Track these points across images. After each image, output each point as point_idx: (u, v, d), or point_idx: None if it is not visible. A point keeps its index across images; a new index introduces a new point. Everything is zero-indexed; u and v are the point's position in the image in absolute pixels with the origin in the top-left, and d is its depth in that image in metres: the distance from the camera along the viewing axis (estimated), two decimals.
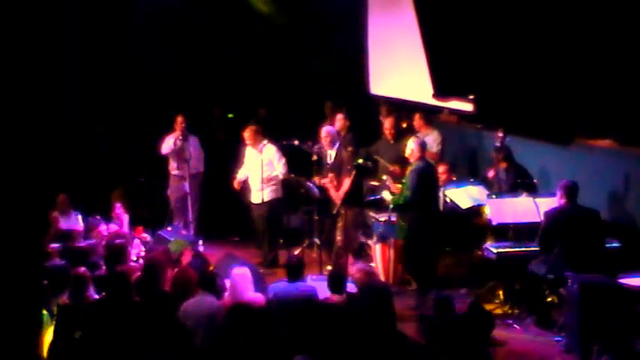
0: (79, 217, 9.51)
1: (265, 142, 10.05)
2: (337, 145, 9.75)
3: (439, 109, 10.52)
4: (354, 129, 10.30)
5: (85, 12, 10.97)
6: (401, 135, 10.16)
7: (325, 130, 9.81)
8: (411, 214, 8.67)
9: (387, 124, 10.18)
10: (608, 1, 7.21)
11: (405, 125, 10.62)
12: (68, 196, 9.56)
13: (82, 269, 7.35)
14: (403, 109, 10.95)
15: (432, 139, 10.29)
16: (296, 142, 10.23)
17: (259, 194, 10.03)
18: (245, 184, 10.17)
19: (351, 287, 7.42)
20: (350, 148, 9.62)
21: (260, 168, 9.95)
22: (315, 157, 9.83)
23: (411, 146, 8.75)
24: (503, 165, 9.21)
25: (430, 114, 10.53)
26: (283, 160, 10.03)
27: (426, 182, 8.65)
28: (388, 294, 7.36)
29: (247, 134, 10.02)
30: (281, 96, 11.79)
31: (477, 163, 10.79)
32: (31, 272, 7.75)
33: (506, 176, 9.19)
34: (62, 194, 9.50)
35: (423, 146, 8.83)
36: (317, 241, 9.93)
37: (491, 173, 9.39)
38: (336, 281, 7.27)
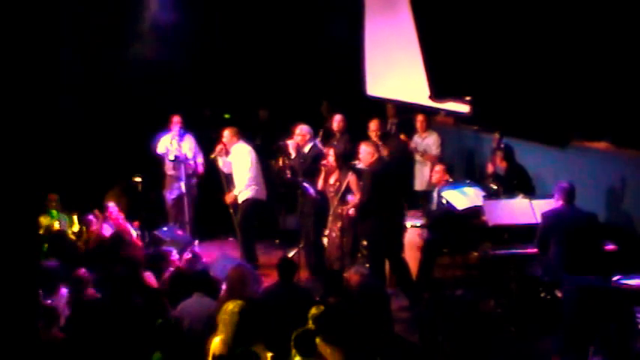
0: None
1: (240, 142, 10.02)
2: (312, 144, 9.73)
3: (436, 111, 10.53)
4: (350, 130, 10.32)
5: (84, 14, 11.00)
6: (390, 135, 10.19)
7: (299, 128, 9.76)
8: (369, 219, 8.67)
9: (373, 126, 10.16)
10: (605, 2, 7.22)
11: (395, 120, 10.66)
12: (58, 196, 9.58)
13: (82, 270, 7.38)
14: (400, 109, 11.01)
15: (432, 141, 10.33)
16: (289, 142, 10.17)
17: (239, 194, 10.04)
18: (229, 181, 10.17)
19: None
20: (332, 149, 9.60)
21: (236, 169, 9.98)
22: (293, 155, 9.78)
23: (366, 149, 8.72)
24: (503, 165, 9.17)
25: (430, 116, 10.57)
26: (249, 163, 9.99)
27: (382, 186, 8.62)
28: (384, 296, 7.39)
29: (227, 132, 10.00)
30: (279, 97, 11.80)
31: (474, 164, 10.79)
32: (24, 271, 7.76)
33: (506, 176, 9.16)
34: (52, 194, 9.51)
35: (378, 148, 8.84)
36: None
37: (490, 168, 9.34)
38: (333, 282, 7.27)
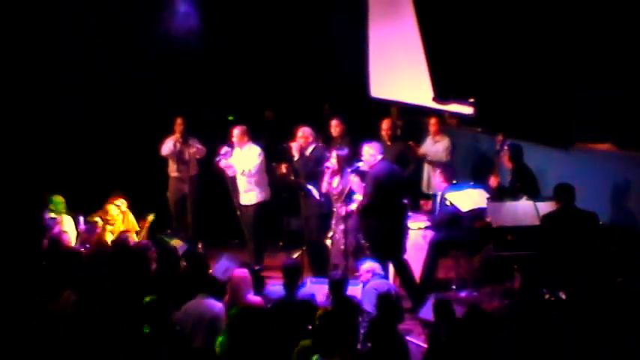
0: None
1: (250, 142, 10.04)
2: (314, 146, 9.76)
3: (439, 113, 10.53)
4: (354, 131, 10.31)
5: (85, 14, 10.99)
6: (398, 137, 10.17)
7: (301, 131, 9.77)
8: (371, 221, 8.69)
9: (385, 125, 10.17)
10: (607, 5, 7.23)
11: (399, 122, 10.66)
12: (64, 198, 9.58)
13: None
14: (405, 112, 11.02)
15: (443, 146, 10.29)
16: (293, 144, 10.14)
17: (245, 196, 10.03)
18: (234, 185, 10.16)
19: (351, 290, 7.43)
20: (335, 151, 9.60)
21: (244, 170, 9.98)
22: (296, 157, 9.80)
23: (369, 151, 8.74)
24: (509, 165, 9.14)
25: (442, 119, 10.54)
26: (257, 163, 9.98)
27: (383, 187, 8.63)
28: (395, 293, 7.39)
29: (236, 132, 10.01)
30: (284, 98, 11.80)
31: (478, 166, 10.79)
32: (26, 271, 7.77)
33: (511, 178, 9.13)
34: (58, 195, 9.52)
35: (381, 149, 8.86)
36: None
37: (492, 181, 9.26)
38: (338, 284, 7.26)
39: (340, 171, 9.34)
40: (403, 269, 8.78)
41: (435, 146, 10.33)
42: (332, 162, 9.34)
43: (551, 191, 8.31)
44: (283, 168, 10.01)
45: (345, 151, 9.52)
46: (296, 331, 6.85)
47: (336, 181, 9.37)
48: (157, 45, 11.35)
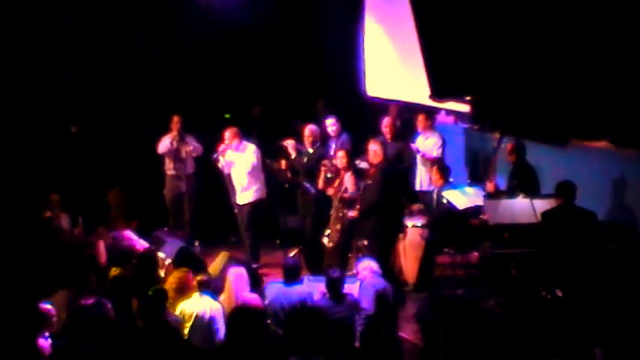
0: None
1: (243, 141, 10.05)
2: (317, 145, 9.78)
3: (436, 110, 10.52)
4: (350, 130, 10.32)
5: (85, 14, 11.02)
6: (398, 135, 10.18)
7: (309, 129, 9.80)
8: (370, 219, 8.72)
9: (386, 122, 10.17)
10: (605, 4, 7.23)
11: (398, 123, 10.67)
12: (60, 196, 9.60)
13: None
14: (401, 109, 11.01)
15: (433, 142, 10.26)
16: (287, 143, 10.10)
17: (242, 195, 10.04)
18: (231, 183, 10.17)
19: (348, 288, 7.44)
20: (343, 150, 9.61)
21: (240, 169, 9.98)
22: (293, 155, 9.82)
23: (373, 148, 8.74)
24: (511, 159, 9.12)
25: (431, 115, 10.54)
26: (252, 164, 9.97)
27: (389, 185, 8.67)
28: (392, 293, 7.41)
29: (228, 134, 10.01)
30: (277, 96, 11.80)
31: (474, 164, 10.78)
32: (27, 269, 7.75)
33: (509, 175, 9.11)
34: (54, 194, 9.54)
35: (385, 147, 8.85)
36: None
37: (489, 187, 9.19)
38: (334, 282, 7.27)
39: (342, 169, 9.37)
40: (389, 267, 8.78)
41: (425, 142, 10.31)
42: (341, 161, 9.29)
43: (547, 189, 8.32)
44: (282, 164, 10.00)
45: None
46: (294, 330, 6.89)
47: (333, 178, 9.39)
48: (157, 45, 11.37)
